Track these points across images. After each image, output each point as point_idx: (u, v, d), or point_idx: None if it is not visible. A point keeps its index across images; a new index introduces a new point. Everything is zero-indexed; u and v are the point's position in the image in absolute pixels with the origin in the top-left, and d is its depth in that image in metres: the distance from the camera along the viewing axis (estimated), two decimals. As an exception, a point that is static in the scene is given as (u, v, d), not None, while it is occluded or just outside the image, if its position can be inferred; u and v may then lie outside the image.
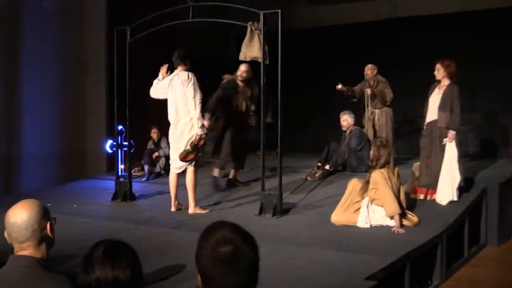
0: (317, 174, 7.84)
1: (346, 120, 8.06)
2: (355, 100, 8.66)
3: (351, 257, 4.69)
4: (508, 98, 8.32)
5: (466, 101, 9.68)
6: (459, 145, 6.48)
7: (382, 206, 5.63)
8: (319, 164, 8.01)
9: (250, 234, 1.87)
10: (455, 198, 6.37)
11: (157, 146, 9.28)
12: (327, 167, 7.89)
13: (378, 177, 5.67)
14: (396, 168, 5.96)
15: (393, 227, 5.56)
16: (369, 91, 8.46)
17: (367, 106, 8.54)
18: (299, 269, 4.38)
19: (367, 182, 5.76)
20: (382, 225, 5.67)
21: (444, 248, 5.48)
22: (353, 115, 8.13)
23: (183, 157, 6.40)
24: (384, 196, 5.59)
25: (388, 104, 8.60)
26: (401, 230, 5.49)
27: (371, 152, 5.97)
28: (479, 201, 6.65)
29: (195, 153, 6.42)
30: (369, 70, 8.60)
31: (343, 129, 8.10)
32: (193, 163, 6.51)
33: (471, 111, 9.52)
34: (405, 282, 4.72)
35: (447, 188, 6.37)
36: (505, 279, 5.88)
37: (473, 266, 6.13)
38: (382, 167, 5.73)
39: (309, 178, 7.83)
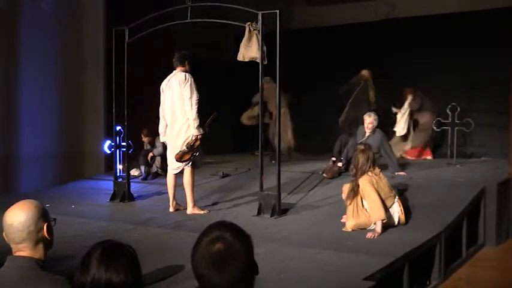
0: (332, 172, 7.76)
1: (372, 122, 7.75)
2: None
3: (350, 257, 4.69)
4: (506, 98, 8.30)
5: (466, 101, 9.77)
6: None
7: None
8: (333, 158, 7.93)
9: (245, 232, 1.87)
10: None
11: (153, 145, 9.25)
12: (340, 164, 7.80)
13: (364, 183, 5.66)
14: (378, 169, 5.92)
15: (371, 231, 5.49)
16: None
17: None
18: (297, 269, 4.38)
19: (352, 190, 5.74)
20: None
21: (442, 248, 5.48)
22: (377, 117, 7.88)
23: (179, 157, 6.43)
24: (371, 201, 5.57)
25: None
26: (376, 235, 5.42)
27: (352, 160, 5.98)
28: (477, 202, 6.65)
29: (191, 154, 6.44)
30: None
31: (367, 130, 7.80)
32: (191, 163, 6.53)
33: (470, 111, 9.54)
34: (404, 282, 4.72)
35: None
36: (503, 279, 5.87)
37: (471, 266, 6.13)
38: (364, 172, 5.71)
39: (324, 175, 7.76)
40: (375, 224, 5.56)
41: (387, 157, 7.69)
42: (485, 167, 8.53)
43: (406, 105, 9.73)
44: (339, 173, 7.75)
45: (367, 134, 7.76)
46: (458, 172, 7.96)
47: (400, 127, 9.75)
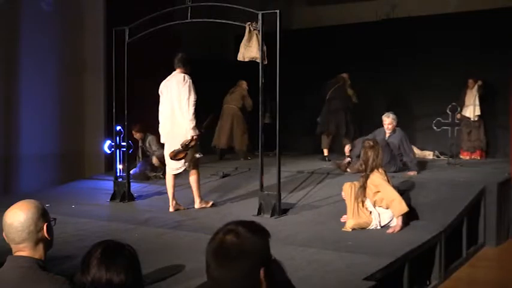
0: (346, 165, 7.72)
1: (391, 123, 7.65)
2: None
3: (350, 257, 4.68)
4: (507, 98, 8.31)
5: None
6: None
7: (386, 207, 5.63)
8: (348, 159, 7.85)
9: (265, 229, 1.83)
10: None
11: (144, 141, 9.17)
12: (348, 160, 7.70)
13: (378, 179, 5.67)
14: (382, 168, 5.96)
15: (392, 227, 5.57)
16: None
17: None
18: (297, 269, 4.37)
19: (362, 187, 5.74)
20: (389, 226, 5.68)
21: (443, 248, 5.48)
22: (395, 116, 7.76)
23: (173, 156, 6.49)
24: (390, 196, 5.58)
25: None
26: (397, 229, 5.49)
27: (361, 155, 5.97)
28: (477, 202, 6.65)
29: (185, 153, 6.49)
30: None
31: (387, 131, 7.71)
32: (192, 164, 6.62)
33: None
34: (404, 282, 4.72)
35: None
36: (503, 279, 5.87)
37: (471, 266, 6.13)
38: (374, 168, 5.73)
39: (348, 170, 7.73)
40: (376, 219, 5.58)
41: (406, 156, 7.65)
42: (486, 167, 8.53)
43: (474, 91, 9.77)
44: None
45: (387, 134, 7.70)
46: (459, 172, 7.96)
47: (471, 112, 9.82)
